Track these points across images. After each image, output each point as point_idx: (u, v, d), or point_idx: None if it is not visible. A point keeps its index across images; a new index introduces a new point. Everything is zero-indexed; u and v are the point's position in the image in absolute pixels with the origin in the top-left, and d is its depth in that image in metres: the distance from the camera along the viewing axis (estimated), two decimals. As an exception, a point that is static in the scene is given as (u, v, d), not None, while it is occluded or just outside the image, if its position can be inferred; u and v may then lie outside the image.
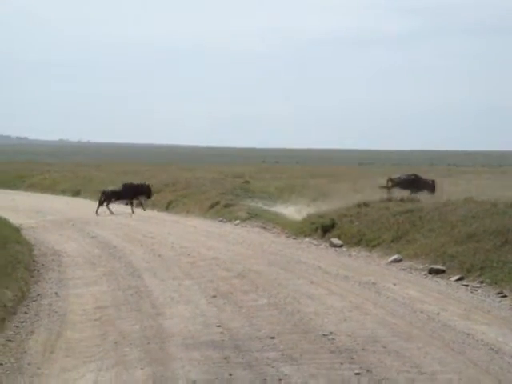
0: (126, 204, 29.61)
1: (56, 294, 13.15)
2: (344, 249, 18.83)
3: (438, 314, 11.19)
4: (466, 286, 13.67)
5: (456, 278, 14.26)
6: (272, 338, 9.75)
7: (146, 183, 30.03)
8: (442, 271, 14.86)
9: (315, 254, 17.96)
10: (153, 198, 30.53)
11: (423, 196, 25.10)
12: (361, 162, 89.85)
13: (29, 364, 9.01)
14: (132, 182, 30.12)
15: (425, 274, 14.97)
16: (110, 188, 29.79)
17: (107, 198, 28.93)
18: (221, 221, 25.84)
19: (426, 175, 30.62)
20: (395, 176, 28.89)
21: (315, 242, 20.26)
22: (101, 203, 28.75)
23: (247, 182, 36.66)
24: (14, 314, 11.35)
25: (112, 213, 28.17)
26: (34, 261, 16.47)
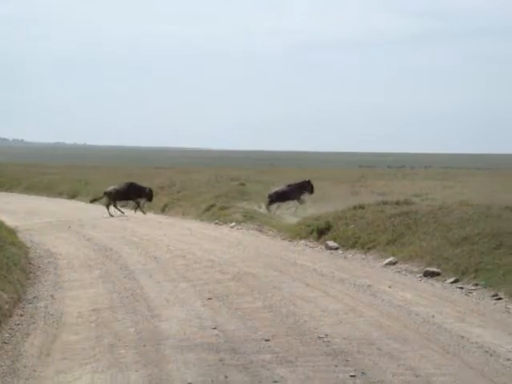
0: None
1: (52, 296, 13.15)
2: (339, 251, 18.85)
3: (433, 316, 11.22)
4: (461, 288, 13.70)
5: (451, 280, 14.30)
6: (267, 340, 9.77)
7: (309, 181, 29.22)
8: (437, 274, 14.89)
9: (311, 256, 17.98)
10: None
11: None
12: (361, 165, 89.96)
13: (24, 366, 9.02)
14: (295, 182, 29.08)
15: (420, 277, 15.01)
16: (275, 189, 29.13)
17: (273, 199, 28.60)
18: (216, 223, 25.84)
19: None
20: None
21: (311, 244, 20.29)
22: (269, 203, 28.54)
23: (242, 184, 36.64)
24: (10, 316, 11.35)
25: (274, 212, 27.92)
26: (30, 263, 16.46)
